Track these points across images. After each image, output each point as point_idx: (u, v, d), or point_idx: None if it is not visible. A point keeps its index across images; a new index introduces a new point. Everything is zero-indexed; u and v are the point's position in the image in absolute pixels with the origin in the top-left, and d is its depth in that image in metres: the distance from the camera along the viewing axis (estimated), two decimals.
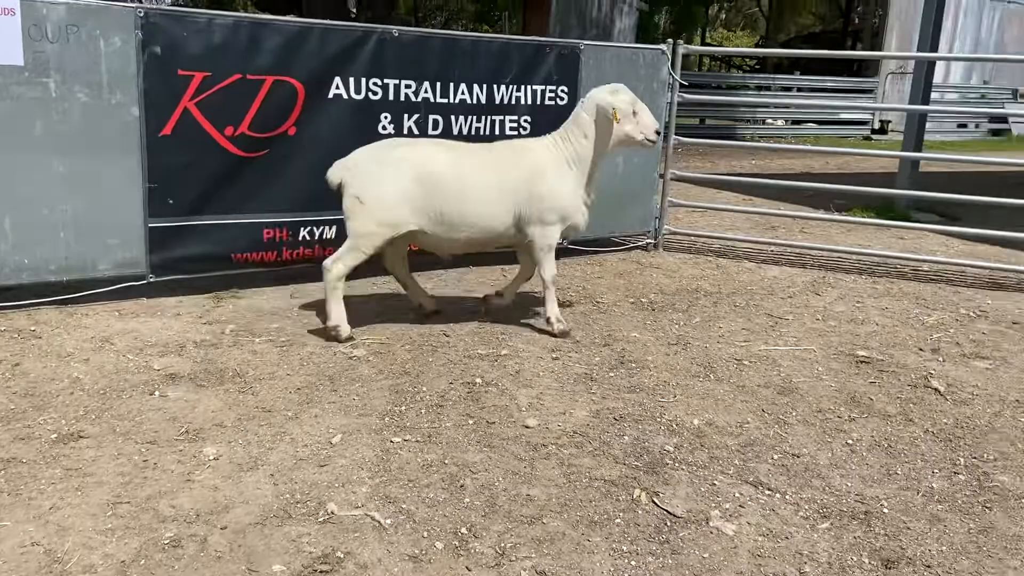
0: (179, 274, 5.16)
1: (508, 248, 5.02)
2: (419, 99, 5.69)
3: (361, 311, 5.11)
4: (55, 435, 3.32)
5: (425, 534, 2.76)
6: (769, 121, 23.52)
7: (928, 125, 22.91)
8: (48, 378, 3.89)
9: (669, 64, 6.89)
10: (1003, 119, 23.28)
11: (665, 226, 7.28)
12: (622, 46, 7.11)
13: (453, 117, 5.83)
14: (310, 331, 4.73)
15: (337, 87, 5.39)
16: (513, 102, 6.09)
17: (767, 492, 3.16)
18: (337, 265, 4.51)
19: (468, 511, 2.91)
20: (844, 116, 23.31)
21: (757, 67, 34.93)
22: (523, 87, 6.12)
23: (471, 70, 5.86)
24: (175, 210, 5.03)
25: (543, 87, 6.21)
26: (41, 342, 4.34)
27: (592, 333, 4.88)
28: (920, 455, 3.53)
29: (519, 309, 5.30)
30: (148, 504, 2.87)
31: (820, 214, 8.63)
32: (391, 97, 5.59)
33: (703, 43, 34.24)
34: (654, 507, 2.99)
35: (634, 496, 3.06)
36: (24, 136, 4.51)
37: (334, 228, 5.56)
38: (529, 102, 6.15)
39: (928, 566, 2.72)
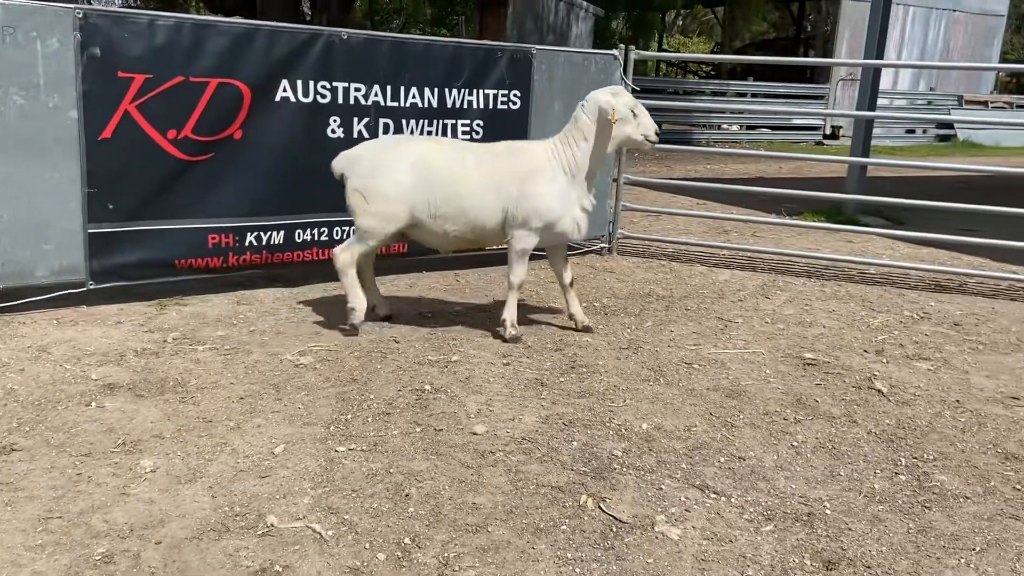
0: (120, 281, 5.04)
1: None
2: (369, 102, 5.64)
3: (310, 318, 5.04)
4: None
5: (367, 545, 2.71)
6: (725, 126, 23.83)
7: (877, 131, 23.45)
8: None
9: (621, 69, 6.92)
10: (949, 125, 23.86)
11: (619, 230, 7.30)
12: (574, 51, 7.13)
13: (404, 121, 5.79)
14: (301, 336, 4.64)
15: (284, 90, 5.31)
16: (465, 106, 6.06)
17: (713, 495, 3.17)
18: (343, 253, 4.65)
19: (412, 521, 2.87)
20: (797, 122, 23.72)
21: (712, 73, 35.38)
22: (475, 91, 6.10)
23: (422, 74, 5.81)
24: (116, 215, 4.91)
25: (495, 91, 6.19)
26: None
27: (544, 338, 4.87)
28: (863, 456, 3.57)
29: (471, 315, 5.28)
30: (80, 519, 2.78)
31: (771, 218, 8.74)
32: (340, 100, 5.53)
33: (660, 49, 34.59)
34: (600, 513, 2.98)
35: (581, 502, 3.04)
36: None
37: (282, 233, 5.47)
38: (481, 106, 6.13)
39: (868, 567, 2.75)
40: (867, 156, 10.20)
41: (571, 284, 4.92)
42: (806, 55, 29.33)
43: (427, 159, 4.60)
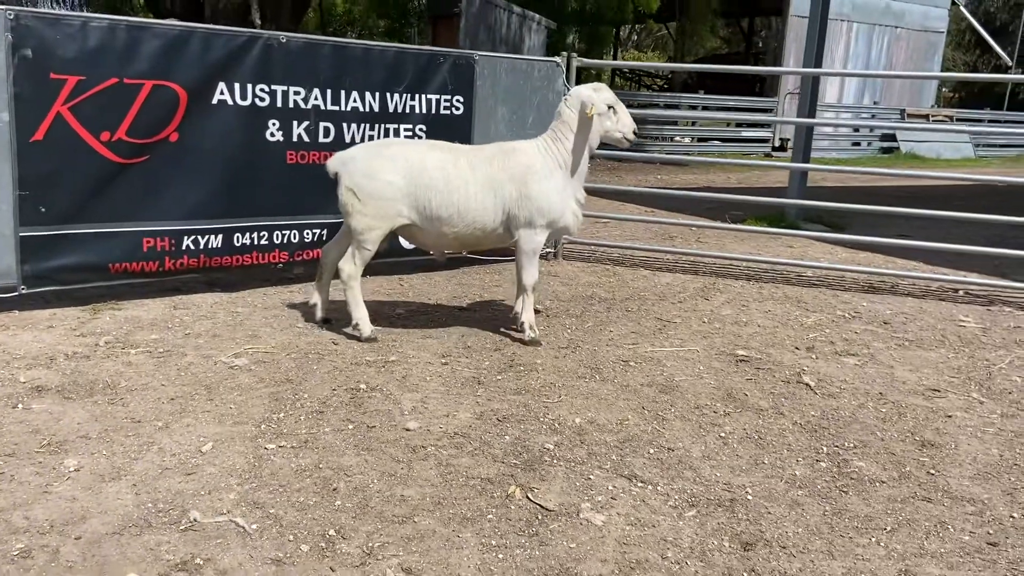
0: (53, 285, 4.96)
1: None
2: (309, 106, 5.64)
3: (247, 321, 5.02)
4: None
5: (291, 537, 2.71)
6: (677, 138, 24.24)
7: (823, 143, 23.97)
8: None
9: (564, 76, 7.01)
10: (892, 137, 24.54)
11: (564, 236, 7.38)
12: (517, 57, 7.21)
13: (345, 125, 5.80)
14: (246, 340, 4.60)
15: (222, 92, 5.29)
16: (408, 111, 6.09)
17: (640, 484, 3.23)
18: (347, 264, 4.70)
19: (338, 513, 2.88)
20: (746, 134, 24.21)
21: (665, 87, 35.95)
22: (417, 96, 6.14)
23: (364, 78, 5.84)
24: (48, 218, 4.84)
25: (438, 96, 6.24)
26: None
27: (484, 339, 4.90)
28: (787, 445, 3.66)
29: (413, 317, 5.30)
30: (0, 516, 2.74)
31: (714, 223, 8.89)
32: (279, 104, 5.52)
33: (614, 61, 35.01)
34: (527, 502, 3.02)
35: (508, 492, 3.08)
36: None
37: (220, 236, 5.44)
38: (424, 111, 6.17)
39: (784, 547, 2.83)
40: (807, 163, 10.46)
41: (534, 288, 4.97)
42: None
43: (420, 161, 4.65)
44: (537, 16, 20.46)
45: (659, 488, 3.21)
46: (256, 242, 5.61)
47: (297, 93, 5.59)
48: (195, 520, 2.78)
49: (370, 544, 2.69)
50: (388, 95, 5.96)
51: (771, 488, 3.26)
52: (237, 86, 5.35)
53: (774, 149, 23.53)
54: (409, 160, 4.64)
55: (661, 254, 7.64)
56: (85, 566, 2.50)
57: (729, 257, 7.54)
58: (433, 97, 6.21)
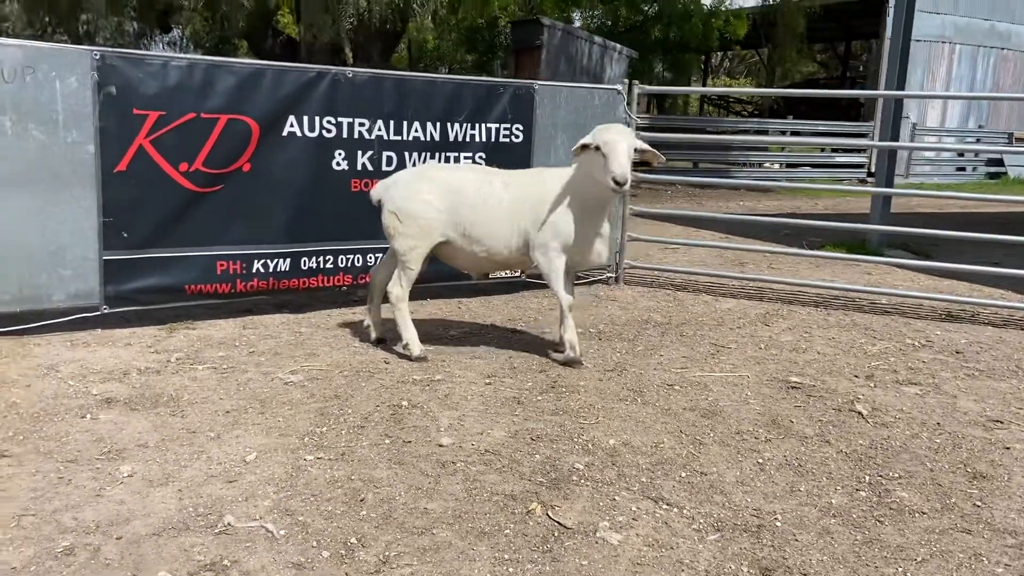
0: (133, 305, 5.30)
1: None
2: (372, 136, 5.88)
3: (309, 341, 5.23)
4: None
5: (314, 544, 2.84)
6: (767, 164, 23.88)
7: (926, 168, 23.13)
8: None
9: (625, 103, 7.08)
10: (1000, 162, 23.45)
11: (626, 260, 7.40)
12: (577, 86, 7.31)
13: (407, 153, 6.02)
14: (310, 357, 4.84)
15: (291, 125, 5.59)
16: (467, 139, 6.27)
17: (665, 506, 3.22)
18: (395, 287, 4.92)
19: (362, 523, 2.99)
20: (839, 160, 23.61)
21: (755, 113, 35.48)
22: (477, 125, 6.31)
23: (425, 109, 6.05)
24: (129, 243, 5.20)
25: (498, 125, 6.40)
26: None
27: (530, 361, 4.97)
28: (827, 473, 3.58)
29: (465, 338, 5.42)
30: (52, 516, 2.96)
31: (788, 249, 8.72)
32: (345, 135, 5.78)
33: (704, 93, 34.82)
34: (547, 519, 3.06)
35: (529, 509, 3.13)
36: None
37: (288, 260, 5.71)
38: (483, 139, 6.33)
39: (805, 574, 2.77)
40: (891, 187, 10.16)
41: (572, 308, 5.01)
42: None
43: (456, 181, 4.90)
44: (618, 46, 20.59)
45: (685, 511, 3.20)
46: (321, 266, 5.86)
47: (362, 124, 5.84)
48: (229, 524, 2.94)
49: (387, 553, 2.79)
50: (448, 125, 6.16)
51: (803, 515, 3.20)
52: (306, 119, 5.63)
53: (869, 175, 22.83)
54: (446, 181, 4.88)
55: (726, 280, 7.56)
56: (121, 563, 2.69)
57: (798, 283, 7.40)
58: (493, 126, 6.37)
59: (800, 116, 25.08)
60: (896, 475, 3.58)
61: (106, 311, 5.23)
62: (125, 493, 3.16)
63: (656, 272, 7.70)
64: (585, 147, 4.59)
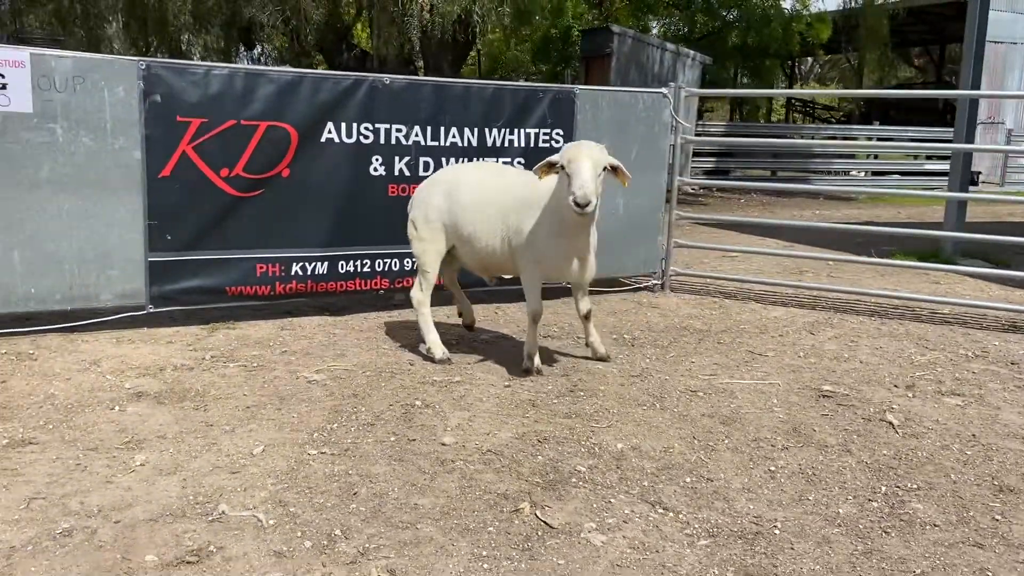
0: (176, 305, 5.51)
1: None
2: (410, 142, 5.97)
3: (341, 342, 5.33)
4: (6, 441, 3.62)
5: (299, 534, 2.89)
6: (853, 172, 23.22)
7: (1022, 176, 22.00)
8: (26, 394, 4.22)
9: (671, 107, 6.98)
10: None
11: (672, 267, 7.28)
12: (619, 90, 7.27)
13: (444, 159, 6.07)
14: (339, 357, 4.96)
15: (329, 131, 5.72)
16: (506, 144, 6.29)
17: (660, 511, 3.16)
18: (415, 291, 5.07)
19: (350, 516, 3.03)
20: (929, 167, 22.74)
21: (843, 119, 34.48)
22: (516, 130, 6.32)
23: (462, 114, 6.10)
24: (173, 245, 5.40)
25: (537, 130, 6.40)
26: (34, 364, 4.71)
27: (555, 366, 4.94)
28: (841, 483, 3.44)
29: (495, 343, 5.43)
30: (60, 500, 3.10)
31: (850, 257, 8.42)
32: (382, 140, 5.88)
33: (789, 98, 34.01)
34: (534, 518, 3.04)
35: (518, 508, 3.11)
36: (32, 177, 4.96)
37: (326, 264, 5.83)
38: (522, 144, 6.34)
39: None
40: (966, 192, 9.71)
41: (587, 316, 4.95)
42: (946, 101, 28.12)
43: (456, 181, 4.92)
44: (692, 52, 20.33)
45: (681, 516, 3.12)
46: (359, 269, 5.97)
47: (399, 130, 5.93)
48: (223, 513, 3.02)
49: (367, 545, 2.81)
50: (487, 130, 6.19)
51: (805, 524, 3.08)
52: (344, 125, 5.75)
53: (971, 183, 21.83)
54: (449, 182, 4.93)
55: (778, 288, 7.35)
56: (113, 546, 2.79)
57: (854, 292, 7.13)
58: (532, 131, 6.38)
59: (890, 123, 24.26)
60: (915, 486, 3.41)
61: (151, 310, 5.44)
62: (133, 481, 3.28)
63: (705, 279, 7.55)
64: (551, 165, 4.34)
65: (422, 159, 6.03)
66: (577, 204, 4.07)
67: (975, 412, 4.32)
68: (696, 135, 20.60)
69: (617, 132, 6.74)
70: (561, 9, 26.65)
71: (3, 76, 4.80)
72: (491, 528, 2.95)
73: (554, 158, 4.37)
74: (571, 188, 4.12)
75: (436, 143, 6.05)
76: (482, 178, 4.98)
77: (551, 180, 4.52)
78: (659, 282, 7.24)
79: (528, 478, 3.38)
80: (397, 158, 5.96)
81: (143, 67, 5.16)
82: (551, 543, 2.87)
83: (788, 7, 25.76)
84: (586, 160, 4.15)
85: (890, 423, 4.12)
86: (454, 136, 6.10)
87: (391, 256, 6.07)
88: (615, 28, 19.73)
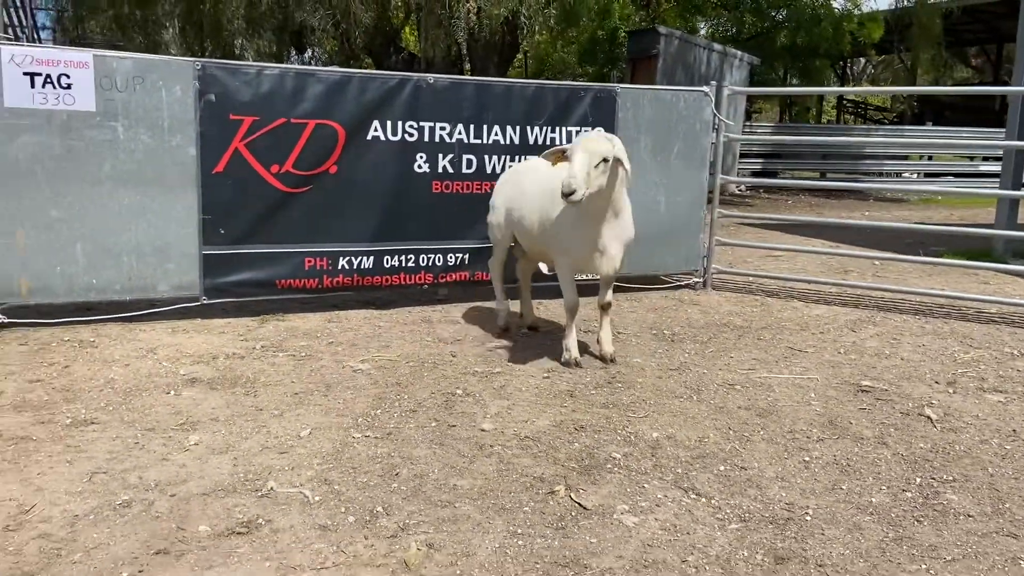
0: (229, 297, 5.71)
1: None
2: (453, 140, 6.10)
3: (387, 334, 5.48)
4: (70, 421, 3.82)
5: (343, 510, 3.02)
6: (906, 174, 22.87)
7: None
8: (88, 378, 4.44)
9: (713, 105, 7.01)
10: None
11: (713, 265, 7.29)
12: (661, 88, 7.28)
13: (487, 156, 6.20)
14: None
15: (376, 129, 5.88)
16: (548, 143, 6.38)
17: (693, 496, 3.22)
18: (490, 260, 5.58)
19: (392, 494, 3.15)
20: (985, 168, 22.27)
21: (896, 120, 33.89)
22: (557, 128, 6.42)
23: (505, 112, 6.22)
24: (226, 239, 5.60)
25: (578, 128, 6.47)
26: (95, 351, 4.93)
27: (594, 358, 5.02)
28: (876, 473, 3.47)
29: (541, 335, 5.52)
30: (120, 475, 3.28)
31: (897, 256, 8.33)
32: (426, 138, 6.02)
33: (841, 99, 33.56)
34: (568, 500, 3.12)
35: (554, 490, 3.20)
36: (94, 173, 5.20)
37: (371, 258, 5.99)
38: (564, 142, 6.42)
39: (820, 566, 2.72)
40: (1018, 190, 9.53)
41: (604, 307, 5.01)
42: (1003, 101, 27.46)
43: (516, 173, 5.32)
44: (739, 53, 20.20)
45: (713, 501, 3.18)
46: (403, 264, 6.12)
47: (443, 128, 6.06)
48: (271, 489, 3.17)
49: (407, 521, 2.93)
50: (528, 128, 6.29)
51: (836, 512, 3.12)
52: (389, 123, 5.91)
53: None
54: (518, 171, 5.35)
55: (822, 287, 7.32)
56: (169, 516, 2.95)
57: (899, 290, 7.07)
58: (573, 129, 6.45)
59: (944, 124, 23.82)
60: (950, 478, 3.42)
61: (205, 302, 5.65)
62: (188, 459, 3.45)
63: (747, 278, 7.55)
64: (563, 152, 4.46)
65: (465, 156, 6.16)
66: (562, 192, 4.13)
67: (1017, 408, 4.29)
68: (745, 135, 20.48)
69: (658, 130, 6.79)
70: (608, 11, 26.64)
71: (68, 76, 5.05)
72: (527, 508, 3.05)
73: (566, 146, 4.55)
74: (563, 176, 4.20)
75: (479, 141, 6.17)
76: (538, 167, 5.10)
77: None
78: (700, 280, 7.26)
79: (564, 463, 3.47)
80: (441, 155, 6.09)
81: (199, 67, 5.37)
82: (584, 523, 2.95)
83: (839, 6, 25.39)
84: (580, 151, 4.22)
85: (928, 417, 4.12)
86: (496, 134, 6.22)
87: (435, 252, 6.20)
88: (661, 29, 19.68)
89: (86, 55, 5.13)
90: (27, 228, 5.10)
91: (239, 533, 2.84)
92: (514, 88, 6.34)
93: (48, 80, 5.00)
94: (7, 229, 5.06)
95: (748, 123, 21.99)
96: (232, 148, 5.51)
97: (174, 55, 18.00)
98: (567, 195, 4.12)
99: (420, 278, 6.20)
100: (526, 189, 5.05)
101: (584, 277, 6.36)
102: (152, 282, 5.49)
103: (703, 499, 3.20)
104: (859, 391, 4.53)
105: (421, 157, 6.04)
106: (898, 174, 22.97)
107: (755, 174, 22.25)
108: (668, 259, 7.12)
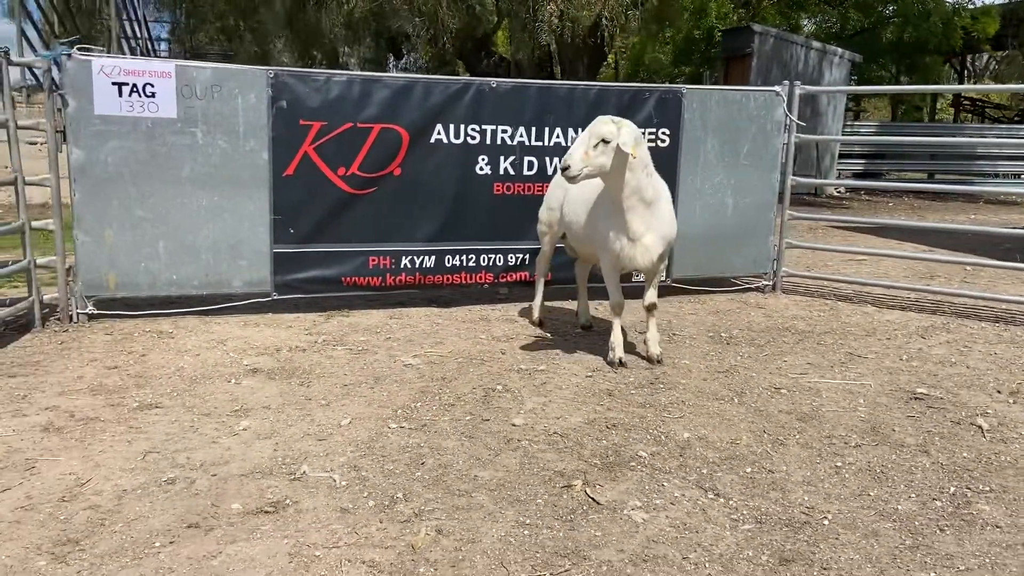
0: (297, 293, 6.00)
1: None
2: (515, 142, 6.22)
3: (443, 331, 5.64)
4: (136, 404, 4.13)
5: (366, 495, 3.17)
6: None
7: None
8: (160, 366, 4.77)
9: (784, 105, 6.88)
10: None
11: (783, 268, 7.16)
12: (730, 89, 7.21)
13: (548, 158, 6.28)
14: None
15: (438, 133, 6.05)
16: None
17: (711, 496, 3.23)
18: (537, 257, 5.85)
19: (414, 482, 3.28)
20: None
21: (1017, 118, 32.12)
22: None
23: (566, 115, 6.29)
24: (295, 238, 5.89)
25: (642, 129, 6.45)
26: (172, 341, 5.29)
27: (642, 359, 5.03)
28: (908, 481, 3.38)
29: (593, 334, 5.58)
30: (171, 455, 3.53)
31: (989, 261, 7.95)
32: (488, 141, 6.16)
33: (958, 97, 31.96)
34: (583, 495, 3.19)
35: (571, 484, 3.26)
36: (176, 175, 5.56)
37: (433, 257, 6.17)
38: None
39: (826, 569, 2.70)
40: None
41: (650, 308, 5.02)
42: None
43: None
44: (839, 50, 19.56)
45: (731, 502, 3.18)
46: (464, 263, 6.27)
47: (504, 131, 6.19)
48: (304, 473, 3.36)
49: (423, 508, 3.06)
50: None
51: (857, 517, 3.07)
52: (452, 127, 6.08)
53: None
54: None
55: (899, 292, 7.07)
56: (207, 494, 3.17)
57: (980, 297, 6.76)
58: None
59: None
60: (987, 488, 3.30)
61: (275, 297, 5.96)
62: (234, 442, 3.69)
63: (820, 282, 7.37)
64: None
65: (526, 158, 6.27)
66: (560, 168, 4.43)
67: None
68: (846, 135, 19.78)
69: (726, 131, 6.73)
70: (704, 10, 26.28)
71: (152, 85, 5.43)
72: (540, 500, 3.13)
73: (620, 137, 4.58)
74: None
75: (540, 143, 6.27)
76: None
77: None
78: (770, 283, 7.14)
79: (588, 459, 3.53)
80: (502, 158, 6.22)
81: (271, 75, 5.68)
82: (593, 517, 3.01)
83: (950, 0, 24.22)
84: (585, 132, 4.49)
85: (979, 427, 3.97)
86: (558, 136, 6.30)
87: (495, 252, 6.34)
88: (756, 27, 19.26)
89: (169, 65, 5.50)
90: (114, 227, 5.51)
91: (267, 512, 3.04)
92: (576, 91, 6.40)
93: (134, 89, 5.39)
94: (97, 228, 5.48)
95: (849, 123, 21.25)
96: (302, 152, 5.79)
97: (286, 63, 19.07)
98: (564, 171, 4.38)
99: (481, 277, 6.35)
100: (571, 189, 5.12)
101: (638, 278, 6.38)
102: (227, 278, 5.83)
103: (721, 499, 3.20)
104: (912, 398, 4.39)
105: (483, 159, 6.18)
106: (1016, 176, 21.78)
107: (858, 175, 21.50)
108: (736, 261, 7.03)
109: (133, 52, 16.65)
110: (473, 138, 6.13)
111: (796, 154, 7.08)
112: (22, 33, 9.57)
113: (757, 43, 18.40)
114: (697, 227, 6.78)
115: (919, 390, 4.51)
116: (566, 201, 5.23)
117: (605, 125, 4.45)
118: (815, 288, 7.28)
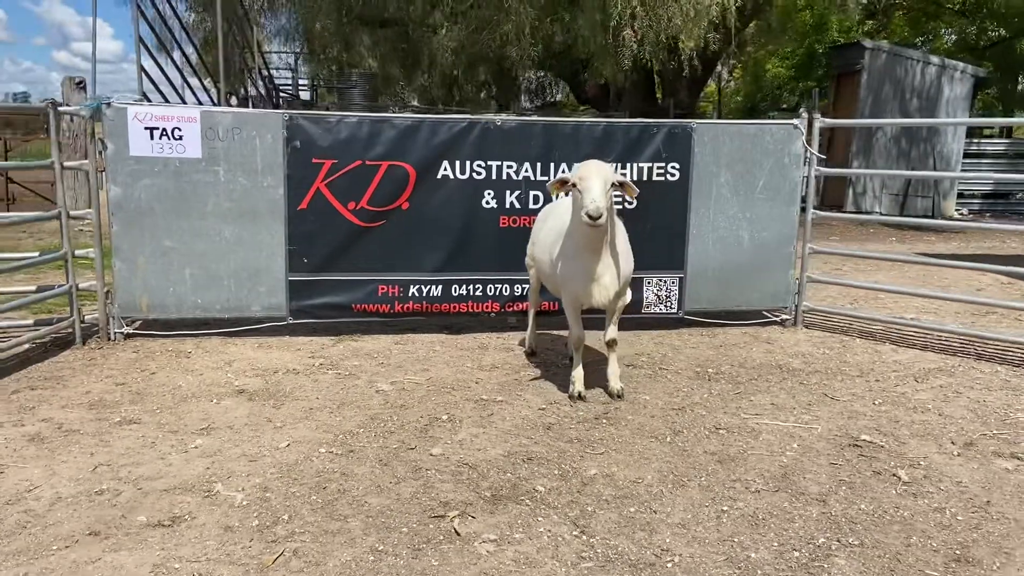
0: (310, 318, 6.46)
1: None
2: (520, 178, 6.45)
3: (437, 358, 5.93)
4: (119, 419, 4.65)
5: (256, 514, 3.49)
6: None
7: None
8: (162, 384, 5.31)
9: (803, 138, 6.76)
10: None
11: (804, 303, 7.00)
12: (744, 123, 7.10)
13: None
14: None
15: (444, 169, 6.38)
16: None
17: (576, 533, 3.35)
18: (528, 290, 6.28)
19: (305, 505, 3.58)
20: None
21: None
22: (628, 164, 6.55)
23: (572, 151, 6.47)
24: (309, 267, 6.37)
25: (650, 164, 6.57)
26: (185, 361, 5.85)
27: (603, 394, 5.13)
28: (782, 530, 3.38)
29: (569, 368, 5.72)
30: (118, 468, 3.98)
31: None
32: (494, 176, 6.43)
33: None
34: (449, 527, 3.38)
35: (446, 515, 3.47)
36: (200, 209, 6.16)
37: (440, 287, 6.49)
38: (635, 178, 6.54)
39: None
40: None
41: (609, 344, 5.12)
42: None
43: (546, 209, 5.68)
44: (960, 65, 18.49)
45: (592, 540, 3.30)
46: (471, 293, 6.55)
47: (510, 167, 6.44)
48: (217, 491, 3.73)
49: (296, 530, 3.35)
50: None
51: (704, 562, 3.12)
52: (458, 163, 6.39)
53: None
54: (546, 211, 5.75)
55: (927, 331, 6.76)
56: (124, 505, 3.58)
57: (1013, 341, 6.37)
58: (645, 165, 6.56)
59: None
60: (856, 543, 3.26)
61: (291, 322, 6.45)
62: (179, 459, 4.11)
63: (847, 317, 7.15)
64: (563, 183, 4.67)
65: (532, 193, 6.49)
66: (590, 216, 4.35)
67: (1021, 479, 3.87)
68: (970, 153, 18.58)
69: (740, 165, 6.69)
70: (824, 24, 25.47)
71: (180, 129, 6.04)
72: (404, 529, 3.36)
73: (567, 175, 4.73)
74: (583, 203, 4.42)
75: (545, 178, 6.47)
76: (557, 206, 5.37)
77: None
78: (790, 317, 7.00)
79: (482, 492, 3.72)
80: (508, 192, 6.47)
81: (286, 118, 6.18)
82: (444, 547, 3.21)
83: None
84: (595, 176, 4.47)
85: (899, 478, 3.86)
86: (564, 171, 6.47)
87: (502, 282, 6.58)
88: (866, 42, 18.54)
89: (195, 111, 6.11)
90: (146, 255, 6.16)
91: (164, 525, 3.42)
92: (582, 127, 6.57)
93: (164, 133, 6.03)
94: (131, 256, 6.15)
95: (976, 140, 19.92)
96: (314, 188, 6.26)
97: (416, 106, 20.70)
98: (596, 218, 4.36)
99: (487, 307, 6.60)
100: (544, 227, 5.31)
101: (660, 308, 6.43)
102: (247, 303, 6.37)
103: (584, 536, 3.32)
104: (851, 445, 4.30)
105: (489, 194, 6.45)
106: None
107: (985, 196, 20.19)
108: (752, 295, 6.95)
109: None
110: (479, 173, 6.42)
111: (819, 187, 6.91)
112: (141, 69, 10.65)
113: (867, 59, 17.71)
114: (710, 261, 6.77)
115: (863, 437, 4.40)
116: (538, 237, 5.42)
117: (608, 168, 4.64)
118: (840, 324, 7.07)
